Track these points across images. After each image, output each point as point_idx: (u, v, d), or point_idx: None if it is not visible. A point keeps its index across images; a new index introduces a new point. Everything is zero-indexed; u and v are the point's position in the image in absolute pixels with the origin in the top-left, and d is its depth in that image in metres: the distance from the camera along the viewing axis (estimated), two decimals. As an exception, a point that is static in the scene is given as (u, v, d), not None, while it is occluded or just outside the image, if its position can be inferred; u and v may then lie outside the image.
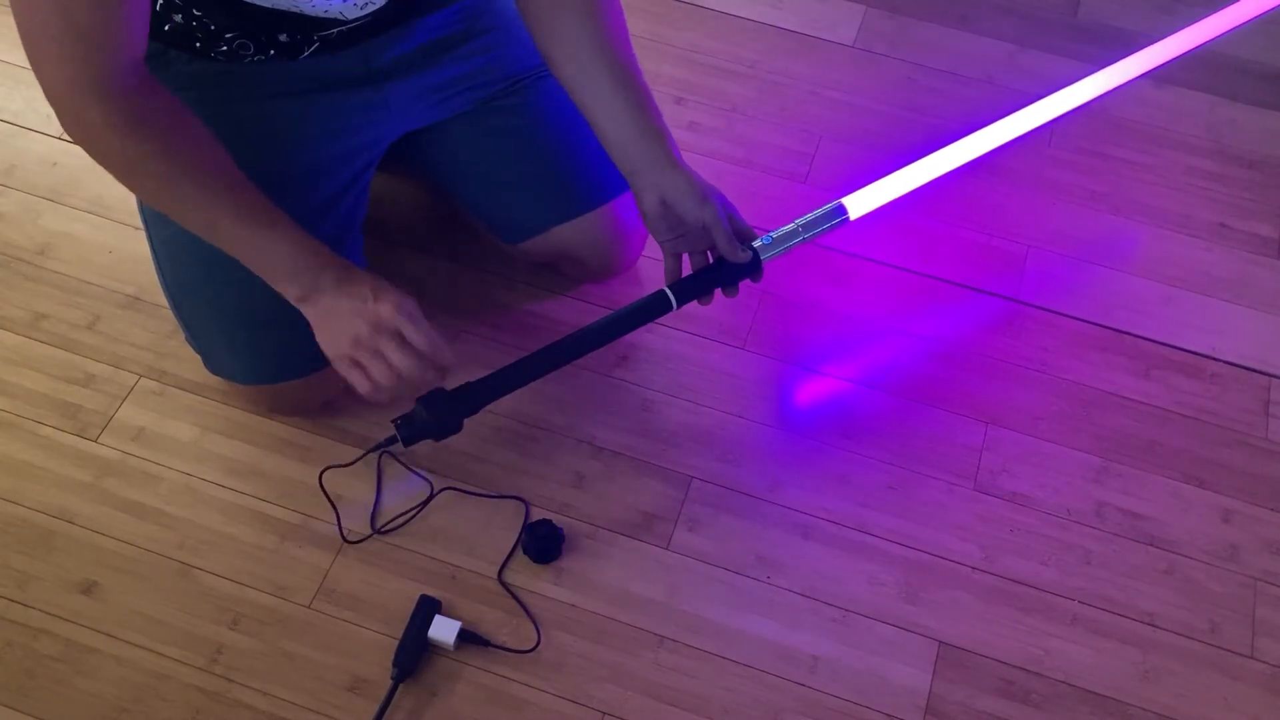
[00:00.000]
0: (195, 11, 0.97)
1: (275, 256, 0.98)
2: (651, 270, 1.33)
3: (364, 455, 1.14)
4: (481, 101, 1.17)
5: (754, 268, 1.05)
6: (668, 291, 1.05)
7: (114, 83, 0.87)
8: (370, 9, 1.01)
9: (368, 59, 1.10)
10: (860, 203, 1.13)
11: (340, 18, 1.00)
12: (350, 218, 1.15)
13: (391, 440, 1.04)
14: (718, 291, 1.07)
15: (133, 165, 0.92)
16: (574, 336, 1.06)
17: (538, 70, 1.20)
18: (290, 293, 1.00)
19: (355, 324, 0.99)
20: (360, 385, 1.01)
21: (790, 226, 1.08)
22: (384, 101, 1.13)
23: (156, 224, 1.11)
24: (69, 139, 1.39)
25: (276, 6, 0.96)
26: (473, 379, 1.05)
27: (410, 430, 1.03)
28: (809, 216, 1.09)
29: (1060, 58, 1.60)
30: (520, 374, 1.05)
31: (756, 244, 1.05)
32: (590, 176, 1.20)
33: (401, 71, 1.13)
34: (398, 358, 0.99)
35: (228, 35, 1.01)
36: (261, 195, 0.97)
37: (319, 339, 1.01)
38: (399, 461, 1.17)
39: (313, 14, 0.98)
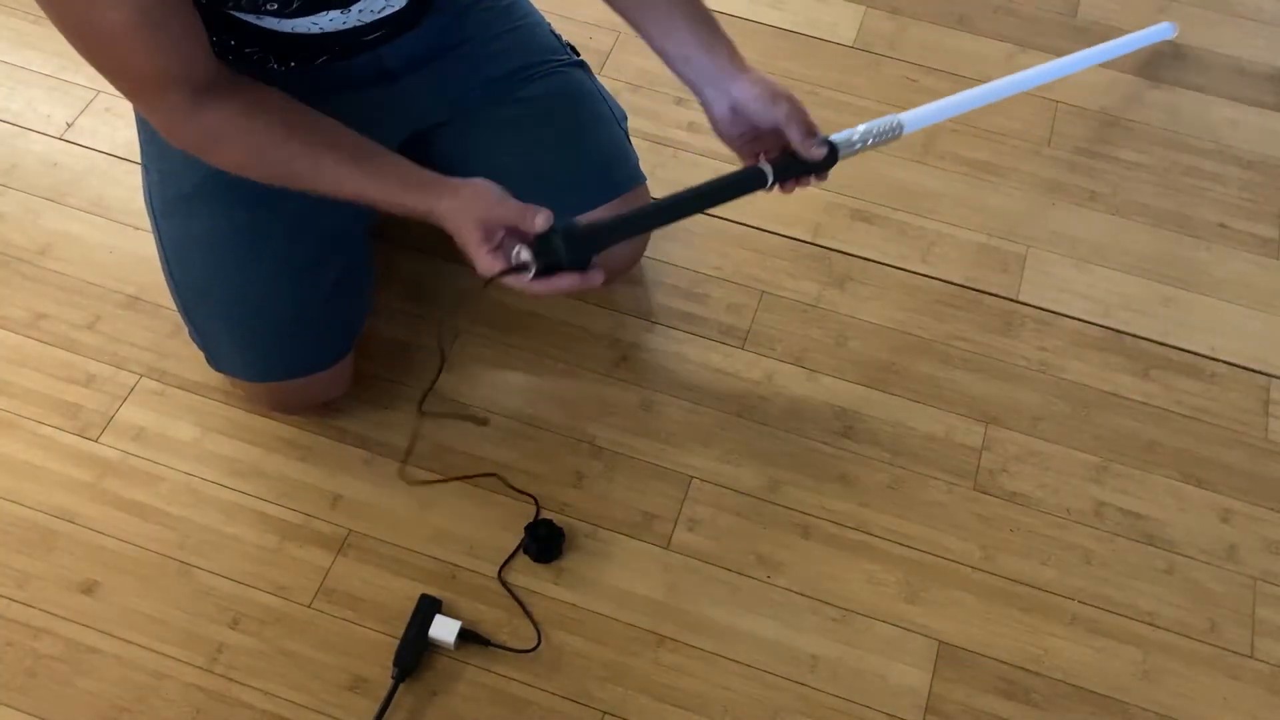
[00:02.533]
0: (212, 37, 0.98)
1: (391, 205, 0.97)
2: (652, 271, 1.34)
3: (493, 279, 0.95)
4: (492, 97, 1.18)
5: (830, 162, 1.03)
6: (764, 165, 1.01)
7: (203, 96, 0.90)
8: (388, 11, 1.01)
9: (380, 60, 1.10)
10: (916, 118, 1.12)
11: (357, 25, 1.01)
12: (356, 218, 1.15)
13: (523, 267, 0.93)
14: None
15: (246, 159, 0.95)
16: (673, 200, 1.01)
17: (547, 64, 1.20)
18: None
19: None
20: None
21: (851, 134, 1.05)
22: (395, 99, 1.13)
23: (164, 220, 1.11)
24: (68, 139, 1.39)
25: (295, 31, 0.97)
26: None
27: (545, 258, 0.93)
28: (870, 126, 1.07)
29: (1060, 58, 1.60)
30: (634, 224, 1.01)
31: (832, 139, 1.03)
32: (598, 172, 1.20)
33: (413, 70, 1.13)
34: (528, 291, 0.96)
35: (247, 50, 1.01)
36: (360, 149, 0.97)
37: None
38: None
39: (331, 30, 0.99)
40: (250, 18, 0.94)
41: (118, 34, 0.83)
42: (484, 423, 1.20)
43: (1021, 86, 1.33)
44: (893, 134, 1.08)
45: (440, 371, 1.08)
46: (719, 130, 1.04)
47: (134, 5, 0.82)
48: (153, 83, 0.89)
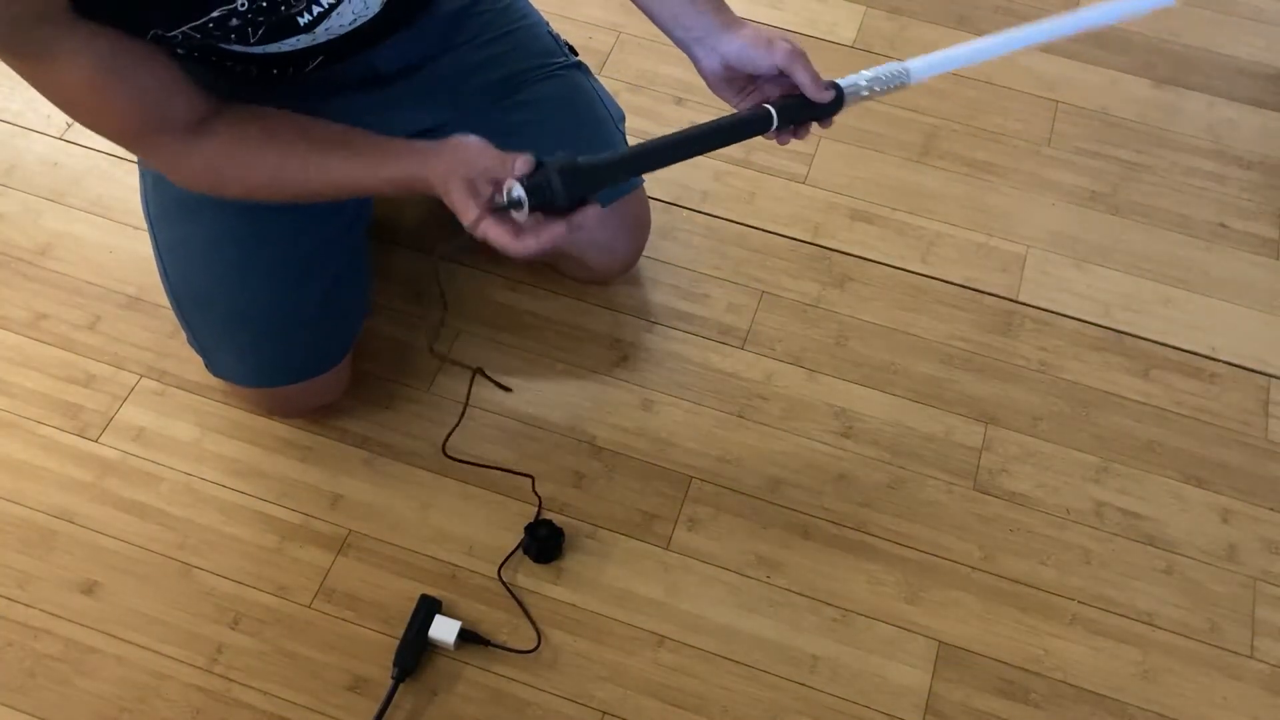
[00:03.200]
0: (195, 54, 0.97)
1: (373, 187, 0.96)
2: (652, 271, 1.34)
3: (481, 217, 0.89)
4: (488, 99, 1.18)
5: (836, 107, 0.98)
6: (770, 107, 0.95)
7: (194, 131, 0.90)
8: (360, 22, 1.01)
9: (373, 62, 1.10)
10: (924, 67, 1.04)
11: (329, 39, 1.00)
12: (353, 222, 1.16)
13: (517, 203, 0.87)
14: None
15: (245, 184, 0.95)
16: (679, 138, 0.94)
17: (545, 68, 1.20)
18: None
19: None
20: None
21: (857, 79, 1.00)
22: (390, 102, 1.13)
23: (161, 226, 1.11)
24: (68, 139, 1.39)
25: (281, 50, 0.96)
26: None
27: (539, 197, 0.88)
28: (876, 72, 1.00)
29: (1060, 58, 1.60)
30: (634, 163, 0.95)
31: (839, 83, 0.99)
32: None
33: (408, 73, 1.13)
34: (507, 249, 0.91)
35: (238, 69, 1.01)
36: (336, 136, 0.95)
37: None
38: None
39: (302, 48, 0.98)
40: (222, 46, 0.94)
41: (85, 91, 0.84)
42: (508, 390, 1.19)
43: (1029, 41, 1.26)
44: (899, 83, 1.01)
45: (443, 314, 1.06)
46: (713, 88, 1.01)
47: (91, 63, 0.81)
48: (137, 132, 0.89)
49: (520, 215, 0.86)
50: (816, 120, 0.99)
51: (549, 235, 0.87)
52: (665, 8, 1.01)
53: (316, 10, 0.93)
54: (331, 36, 0.99)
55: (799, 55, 0.96)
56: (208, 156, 0.91)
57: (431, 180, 0.92)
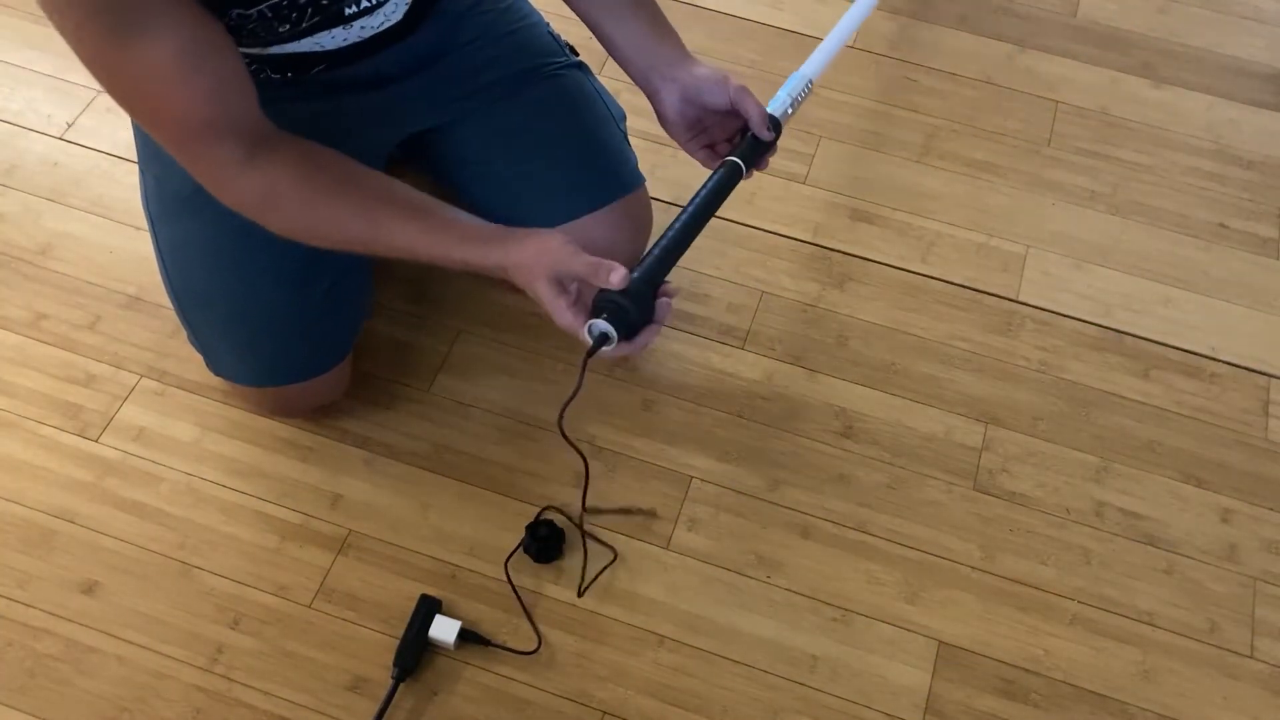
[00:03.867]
0: None
1: (449, 262, 0.95)
2: (651, 270, 1.34)
3: (585, 363, 0.93)
4: (490, 100, 1.18)
5: (776, 135, 1.04)
6: (732, 159, 1.01)
7: (254, 149, 0.88)
8: (386, 25, 1.01)
9: (377, 65, 1.10)
10: (813, 66, 1.12)
11: (359, 40, 1.01)
12: None
13: (605, 340, 0.91)
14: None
15: (297, 225, 0.93)
16: (686, 221, 0.99)
17: (546, 67, 1.20)
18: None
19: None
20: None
21: (783, 104, 1.07)
22: (392, 103, 1.13)
23: (162, 224, 1.11)
24: (68, 139, 1.39)
25: (300, 50, 0.96)
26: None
27: (624, 329, 0.92)
28: (788, 91, 1.08)
29: (1060, 58, 1.60)
30: (674, 253, 0.98)
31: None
32: (593, 175, 1.20)
33: (411, 74, 1.13)
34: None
35: (251, 67, 1.01)
36: (417, 205, 0.95)
37: None
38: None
39: (331, 48, 0.99)
40: (257, 49, 0.93)
41: (161, 76, 0.81)
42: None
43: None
44: (807, 91, 1.09)
45: (587, 477, 1.07)
46: (667, 120, 1.04)
47: (177, 45, 0.79)
48: (200, 129, 0.86)
49: (609, 348, 0.91)
50: (766, 154, 1.05)
51: (647, 337, 0.92)
52: (629, 39, 1.04)
53: (363, 4, 0.94)
54: (362, 37, 0.99)
55: (748, 92, 1.01)
56: (269, 180, 0.89)
57: (511, 271, 0.92)
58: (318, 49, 0.98)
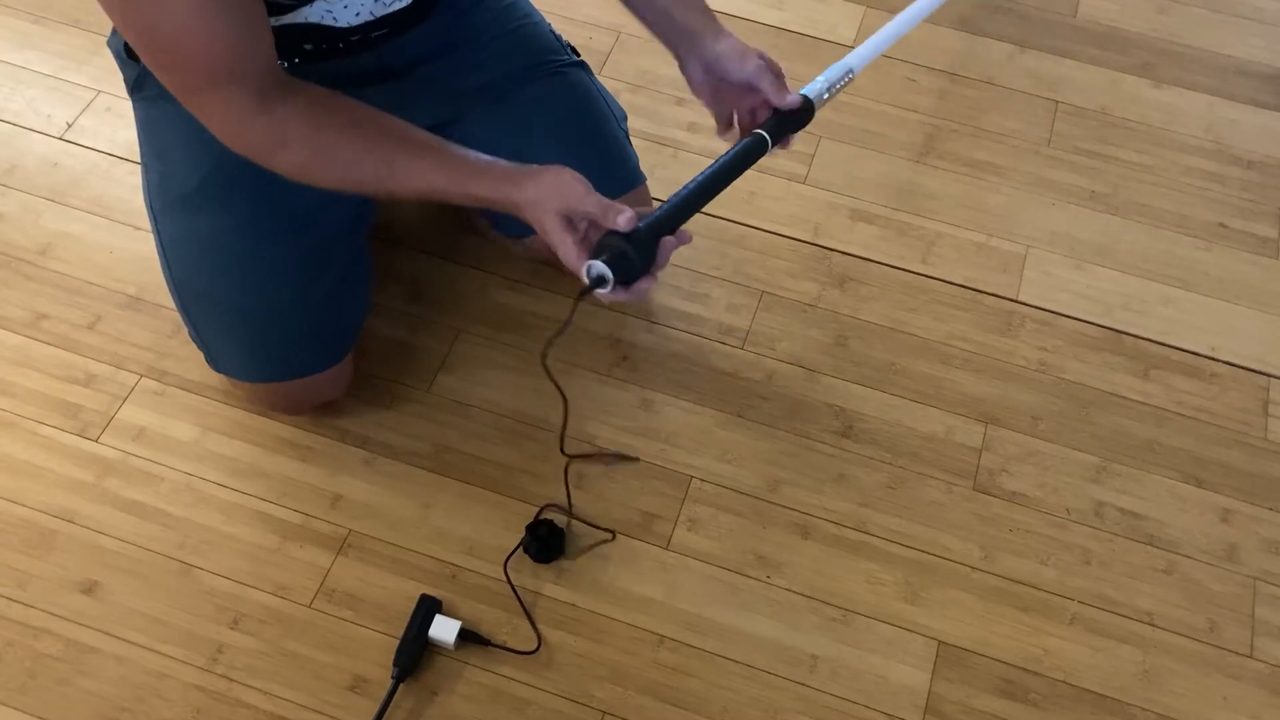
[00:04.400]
0: None
1: (459, 195, 0.95)
2: (651, 270, 1.34)
3: (577, 301, 0.94)
4: (492, 97, 1.18)
5: (808, 115, 1.07)
6: (759, 132, 1.03)
7: (267, 99, 0.88)
8: (396, 6, 1.02)
9: (381, 58, 1.10)
10: (860, 58, 1.15)
11: (369, 20, 1.01)
12: (355, 219, 1.15)
13: (600, 281, 0.91)
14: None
15: (314, 170, 0.93)
16: (705, 180, 1.01)
17: (548, 64, 1.20)
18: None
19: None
20: None
21: (820, 87, 1.09)
22: (395, 98, 1.13)
23: (164, 220, 1.11)
24: (68, 139, 1.39)
25: (295, 21, 0.96)
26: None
27: (621, 273, 0.92)
28: (828, 76, 1.10)
29: (1060, 58, 1.60)
30: (684, 210, 0.99)
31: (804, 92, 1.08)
32: (594, 173, 1.20)
33: (414, 68, 1.13)
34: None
35: None
36: (425, 144, 0.95)
37: None
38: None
39: (342, 25, 0.99)
40: (272, 19, 0.93)
41: (184, 14, 0.81)
42: (634, 460, 1.19)
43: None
44: (848, 79, 1.12)
45: (566, 413, 1.07)
46: (694, 88, 1.08)
47: None
48: (214, 74, 0.85)
49: (605, 290, 0.90)
50: (794, 131, 1.07)
51: (643, 286, 0.92)
52: (654, 10, 1.07)
53: None
54: (375, 14, 1.00)
55: (767, 71, 1.03)
56: (280, 124, 0.89)
57: (523, 206, 0.92)
58: (331, 22, 0.97)
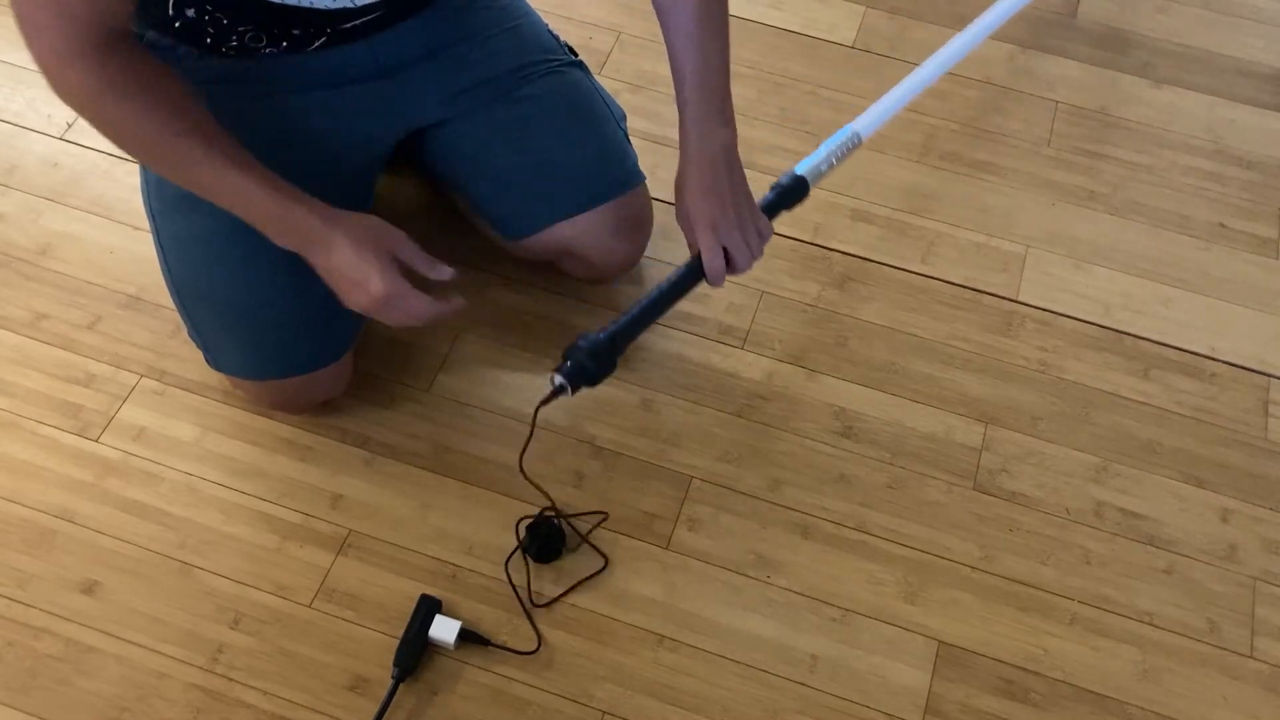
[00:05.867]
0: (208, 6, 0.97)
1: (255, 217, 0.96)
2: (653, 271, 1.34)
3: (536, 411, 1.05)
4: (488, 96, 1.18)
5: (801, 190, 1.13)
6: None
7: (95, 50, 0.87)
8: None
9: (375, 54, 1.10)
10: (867, 122, 1.19)
11: (350, 6, 1.01)
12: (357, 210, 1.15)
13: (560, 391, 1.02)
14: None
15: (119, 128, 0.92)
16: (662, 294, 1.07)
17: (545, 64, 1.20)
18: (288, 246, 0.99)
19: (356, 297, 0.98)
20: (385, 321, 1.02)
21: (817, 161, 1.14)
22: (391, 96, 1.13)
23: (163, 219, 1.11)
24: (68, 139, 1.39)
25: (286, 2, 0.96)
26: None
27: (582, 382, 1.03)
28: (830, 145, 1.14)
29: (1060, 58, 1.60)
30: (643, 318, 1.07)
31: (798, 171, 1.14)
32: (593, 172, 1.20)
33: (408, 67, 1.13)
34: (408, 318, 1.01)
35: (240, 29, 1.01)
36: (239, 154, 0.95)
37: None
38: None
39: (321, 8, 0.98)
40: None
41: None
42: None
43: (949, 62, 1.37)
44: (853, 145, 1.15)
45: (530, 437, 1.10)
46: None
47: None
48: (56, 9, 0.84)
49: (565, 395, 1.02)
50: (786, 209, 1.13)
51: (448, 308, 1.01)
52: (678, 81, 1.07)
53: None
54: (355, 4, 0.99)
55: (709, 228, 1.04)
56: (113, 74, 0.88)
57: (345, 238, 0.96)
58: (309, 4, 0.97)
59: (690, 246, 1.08)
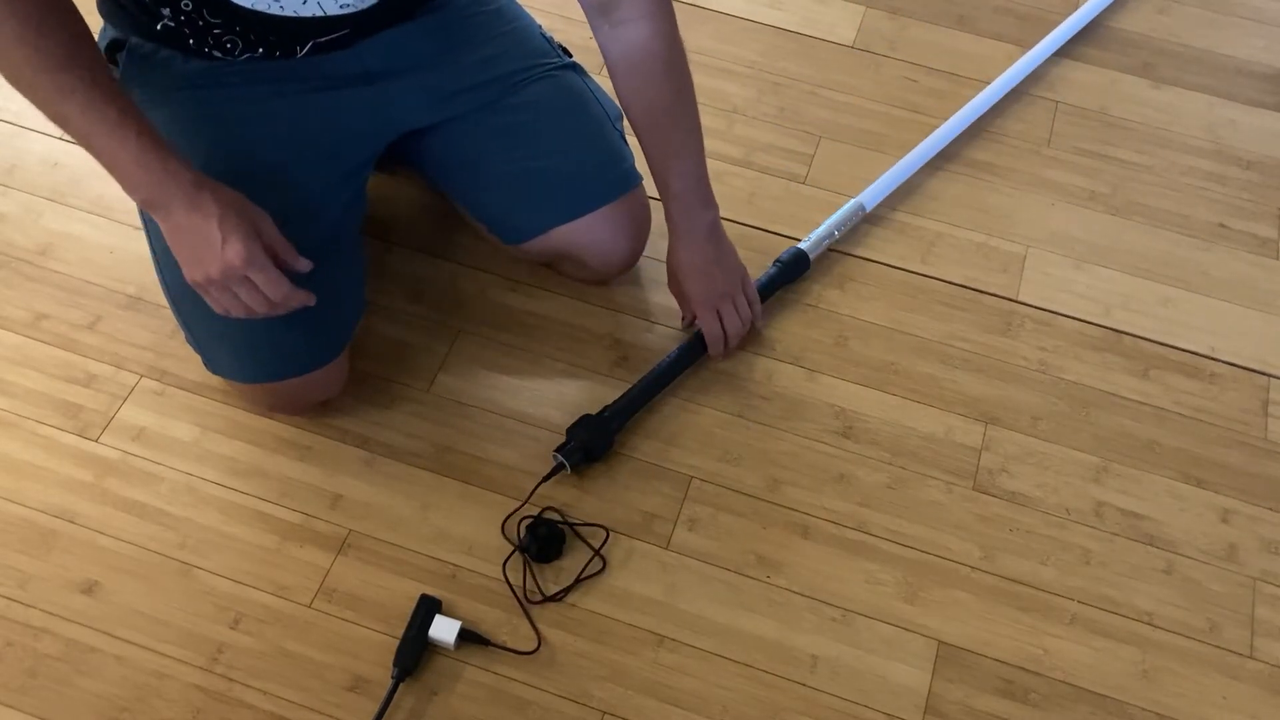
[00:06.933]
0: (184, 6, 0.97)
1: (120, 158, 0.91)
2: (652, 271, 1.34)
3: (535, 488, 1.15)
4: (482, 101, 1.18)
5: (803, 265, 1.31)
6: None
7: None
8: (350, 9, 1.01)
9: (363, 60, 1.10)
10: (872, 194, 1.31)
11: (319, 15, 1.00)
12: (346, 216, 1.15)
13: (559, 469, 1.16)
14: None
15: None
16: (664, 370, 1.22)
17: (538, 68, 1.20)
18: (136, 198, 0.95)
19: (205, 260, 0.94)
20: (215, 308, 0.99)
21: (822, 234, 1.32)
22: (381, 101, 1.13)
23: (156, 226, 1.11)
24: (68, 139, 1.39)
25: (255, 8, 0.96)
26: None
27: (576, 458, 1.16)
28: (837, 217, 1.29)
29: (1060, 58, 1.60)
30: (644, 395, 1.21)
31: (802, 246, 1.31)
32: (590, 176, 1.20)
33: (398, 72, 1.13)
34: (252, 300, 0.98)
35: (215, 32, 1.01)
36: (121, 98, 0.92)
37: (170, 248, 0.97)
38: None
39: (291, 14, 0.98)
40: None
41: None
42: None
43: (948, 136, 1.48)
44: (859, 216, 1.23)
45: (524, 503, 1.16)
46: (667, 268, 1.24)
47: None
48: None
49: (565, 472, 1.16)
50: (789, 283, 1.30)
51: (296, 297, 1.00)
52: (662, 186, 1.17)
53: None
54: (326, 13, 0.99)
55: (709, 307, 1.21)
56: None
57: (206, 195, 0.93)
58: (278, 11, 0.97)
59: (682, 319, 1.27)
